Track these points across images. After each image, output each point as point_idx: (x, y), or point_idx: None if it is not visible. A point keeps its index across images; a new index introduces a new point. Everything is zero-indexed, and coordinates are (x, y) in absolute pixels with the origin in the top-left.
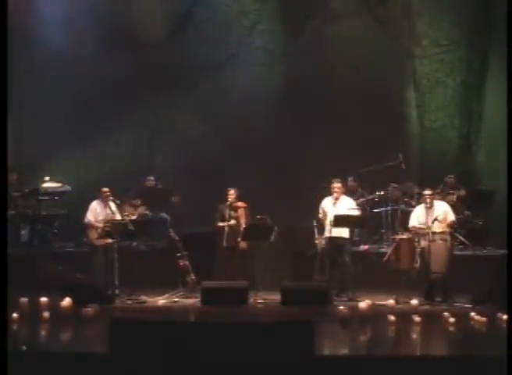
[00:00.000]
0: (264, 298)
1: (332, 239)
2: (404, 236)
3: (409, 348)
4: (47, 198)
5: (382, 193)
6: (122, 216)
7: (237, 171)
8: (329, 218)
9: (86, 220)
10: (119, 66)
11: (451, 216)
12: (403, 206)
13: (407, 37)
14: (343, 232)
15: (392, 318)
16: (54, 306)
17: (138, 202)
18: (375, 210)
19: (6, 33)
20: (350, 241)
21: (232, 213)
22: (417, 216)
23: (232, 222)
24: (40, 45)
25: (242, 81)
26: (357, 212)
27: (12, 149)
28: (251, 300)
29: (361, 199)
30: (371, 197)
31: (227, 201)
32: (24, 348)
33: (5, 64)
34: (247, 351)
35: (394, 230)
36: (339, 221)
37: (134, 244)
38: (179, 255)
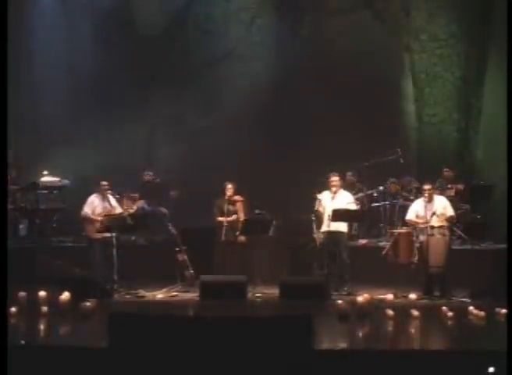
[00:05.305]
0: (262, 292)
1: (330, 233)
2: (403, 230)
3: (407, 342)
4: (45, 192)
5: (382, 188)
6: (122, 209)
7: (236, 165)
8: (327, 212)
9: (82, 213)
10: (118, 60)
11: (450, 211)
12: (401, 201)
13: (405, 32)
14: (342, 226)
15: (390, 312)
16: (52, 300)
17: (137, 196)
18: (374, 204)
19: (6, 31)
20: (349, 235)
21: (231, 207)
22: (416, 210)
23: (232, 217)
24: (38, 42)
25: (240, 76)
26: (355, 207)
27: (11, 144)
28: (250, 294)
29: (360, 194)
30: (370, 191)
31: (225, 195)
32: (23, 342)
33: (5, 62)
34: (246, 345)
35: (393, 224)
36: (337, 215)
37: (133, 238)
38: (177, 249)
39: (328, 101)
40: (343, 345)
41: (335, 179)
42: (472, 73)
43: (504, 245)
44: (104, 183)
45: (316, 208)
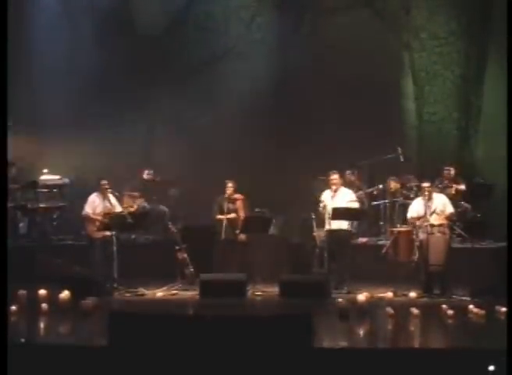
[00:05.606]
0: (262, 291)
1: (331, 232)
2: (403, 228)
3: (407, 340)
4: (45, 190)
5: (381, 186)
6: (122, 208)
7: (236, 163)
8: (328, 211)
9: (84, 213)
10: (118, 60)
11: (449, 208)
12: (401, 199)
13: (405, 30)
14: (343, 224)
15: (390, 310)
16: (52, 299)
17: (137, 195)
18: (374, 203)
19: (6, 31)
20: (350, 233)
21: (231, 206)
22: (416, 209)
23: (231, 215)
24: (38, 42)
25: (241, 74)
26: (356, 205)
27: (11, 143)
28: (250, 292)
29: (360, 192)
30: (369, 190)
31: (225, 193)
32: (23, 340)
33: (5, 62)
34: (246, 344)
35: (393, 222)
36: (338, 214)
37: (133, 236)
38: (177, 247)
39: (328, 98)
40: (343, 344)
41: (335, 177)
42: (472, 71)
43: (504, 244)
44: (104, 182)
45: (321, 209)
